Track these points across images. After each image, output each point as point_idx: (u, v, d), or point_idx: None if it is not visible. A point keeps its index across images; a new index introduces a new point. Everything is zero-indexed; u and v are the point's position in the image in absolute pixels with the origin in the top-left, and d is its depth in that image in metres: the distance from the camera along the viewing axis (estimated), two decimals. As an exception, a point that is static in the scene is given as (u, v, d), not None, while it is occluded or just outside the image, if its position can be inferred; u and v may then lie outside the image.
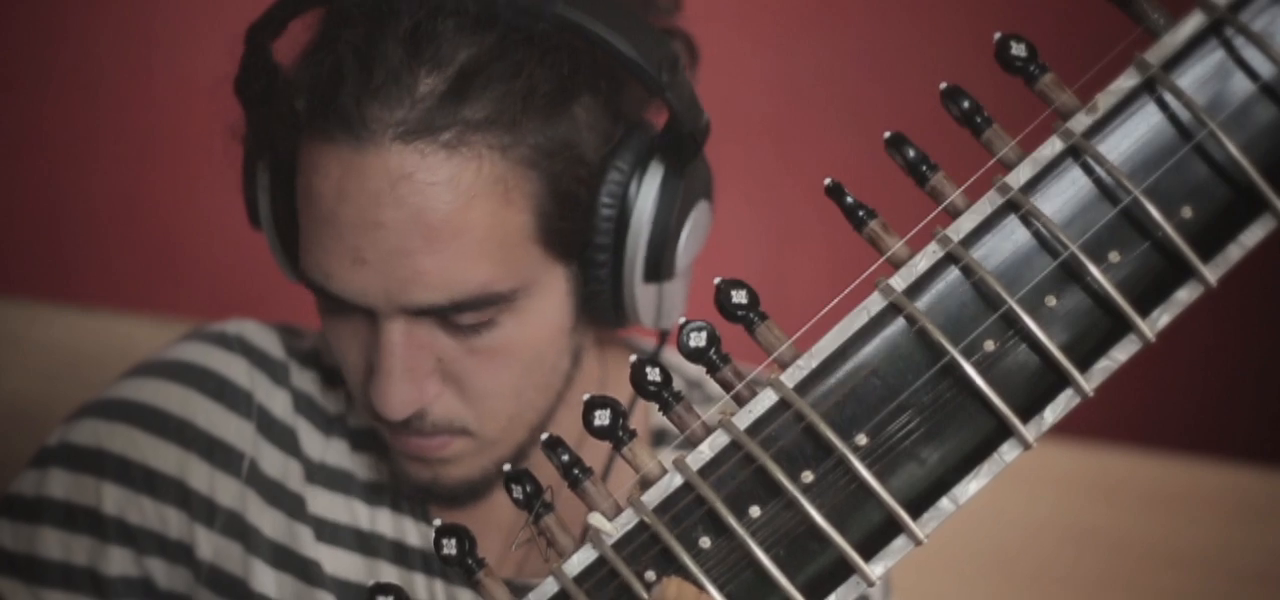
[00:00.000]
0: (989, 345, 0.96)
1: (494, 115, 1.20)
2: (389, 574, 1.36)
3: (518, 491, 0.98)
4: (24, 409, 1.73)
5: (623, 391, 1.36)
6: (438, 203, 1.20)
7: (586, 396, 0.98)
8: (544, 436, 0.99)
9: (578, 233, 1.26)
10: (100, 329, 1.75)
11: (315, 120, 1.21)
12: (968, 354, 0.96)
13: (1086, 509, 1.75)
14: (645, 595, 0.96)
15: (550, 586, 0.98)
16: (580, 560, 0.97)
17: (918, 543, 0.96)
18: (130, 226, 1.88)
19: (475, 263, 1.21)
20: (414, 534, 1.36)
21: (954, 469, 0.96)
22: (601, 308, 1.29)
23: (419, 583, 1.35)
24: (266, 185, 1.29)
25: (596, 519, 0.97)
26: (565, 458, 0.98)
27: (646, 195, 1.27)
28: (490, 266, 1.22)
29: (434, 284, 1.20)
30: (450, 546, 0.99)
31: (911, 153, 0.98)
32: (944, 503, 0.96)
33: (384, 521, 1.37)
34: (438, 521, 0.99)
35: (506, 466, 0.99)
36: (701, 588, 0.95)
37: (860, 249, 0.99)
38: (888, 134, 0.98)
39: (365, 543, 1.37)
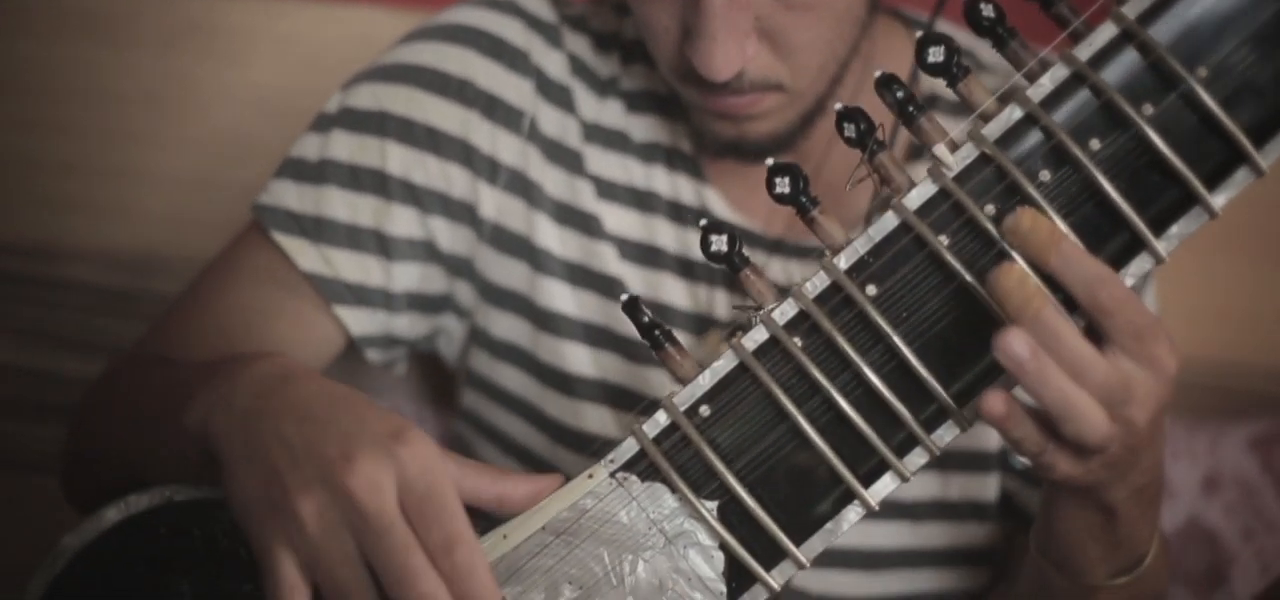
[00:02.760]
0: (1329, -23, 0.95)
1: None
2: (666, 232, 1.38)
3: (851, 130, 0.99)
4: (268, 100, 1.75)
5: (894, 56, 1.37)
6: None
7: (919, 34, 0.98)
8: (878, 74, 0.99)
9: None
10: (340, 21, 1.76)
11: None
12: (1311, -16, 0.95)
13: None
14: (991, 228, 0.96)
15: (889, 221, 0.99)
16: (920, 195, 0.98)
17: (1259, 173, 0.96)
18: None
19: None
20: (689, 192, 1.37)
21: (1295, 99, 0.96)
22: None
23: (694, 241, 1.36)
24: None
25: (940, 151, 0.97)
26: (900, 94, 0.99)
27: None
28: None
29: None
30: (784, 184, 1.00)
31: None
32: (1287, 133, 0.96)
33: (660, 180, 1.38)
34: (770, 160, 1.00)
35: (837, 105, 0.99)
36: (1050, 219, 0.96)
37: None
38: None
39: (642, 201, 1.38)
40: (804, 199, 1.00)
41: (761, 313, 1.00)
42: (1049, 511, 1.13)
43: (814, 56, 1.25)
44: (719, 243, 1.00)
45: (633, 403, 1.36)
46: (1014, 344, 0.95)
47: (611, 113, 1.39)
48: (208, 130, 1.77)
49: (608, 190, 1.38)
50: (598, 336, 1.38)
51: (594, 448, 1.03)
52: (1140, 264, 0.97)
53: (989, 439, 1.38)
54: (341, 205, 1.34)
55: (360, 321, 1.34)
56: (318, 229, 1.34)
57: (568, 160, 1.38)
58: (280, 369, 1.07)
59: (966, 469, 1.38)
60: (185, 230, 1.76)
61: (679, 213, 1.38)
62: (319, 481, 0.98)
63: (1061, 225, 0.96)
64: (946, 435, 0.98)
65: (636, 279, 1.37)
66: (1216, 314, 1.74)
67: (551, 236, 1.37)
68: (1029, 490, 1.39)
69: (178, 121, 1.77)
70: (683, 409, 0.99)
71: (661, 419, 1.00)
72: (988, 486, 1.39)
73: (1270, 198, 1.20)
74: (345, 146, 1.36)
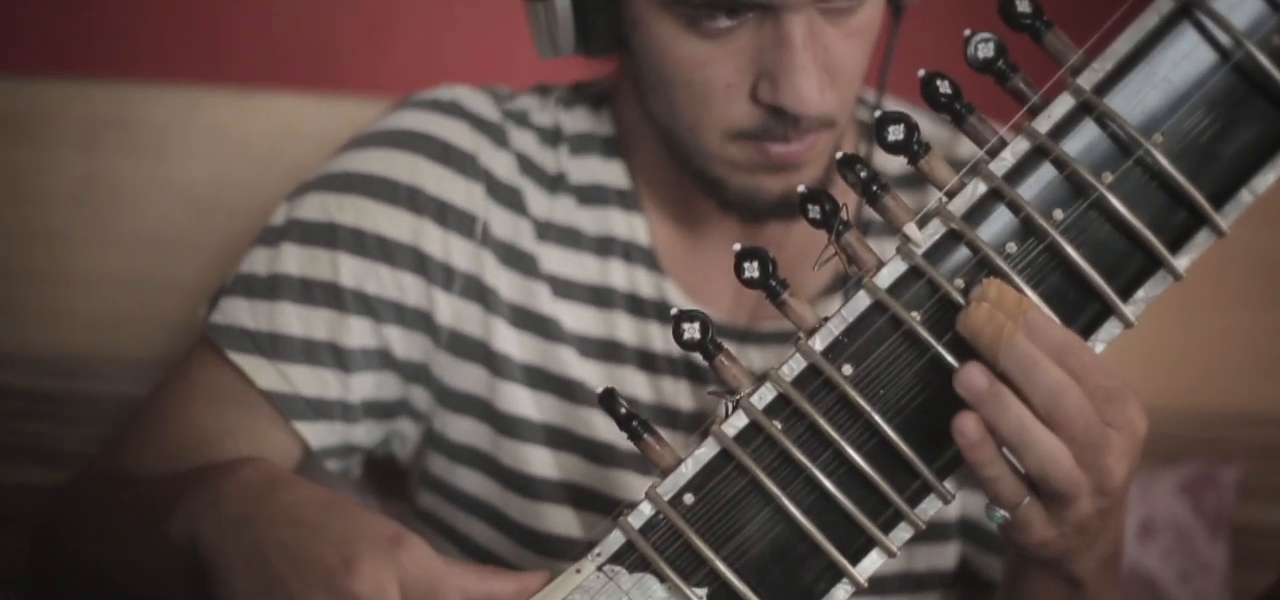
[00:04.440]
0: (1277, 39, 0.98)
1: None
2: (625, 326, 1.38)
3: (815, 211, 1.00)
4: (193, 194, 1.74)
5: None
6: None
7: (878, 113, 1.00)
8: (839, 154, 1.00)
9: None
10: (263, 111, 1.75)
11: None
12: (1260, 49, 0.98)
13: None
14: (960, 300, 0.98)
15: (862, 301, 1.00)
16: (890, 273, 1.00)
17: (1220, 234, 0.98)
18: (286, 7, 1.88)
19: None
20: (647, 284, 1.38)
21: (1250, 161, 0.99)
22: None
23: (655, 334, 1.38)
24: None
25: (910, 229, 0.99)
26: (863, 174, 1.00)
27: None
28: None
29: None
30: (752, 269, 1.01)
31: None
32: (1243, 194, 0.98)
33: (617, 274, 1.38)
34: (738, 246, 1.01)
35: (801, 188, 1.00)
36: (1018, 289, 0.98)
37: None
38: None
39: (599, 296, 1.39)
40: (773, 282, 1.01)
41: (740, 398, 1.01)
42: (1014, 585, 1.14)
43: (855, 87, 1.28)
44: (692, 330, 1.01)
45: (596, 504, 1.37)
46: (971, 375, 0.97)
47: (563, 209, 1.39)
48: (133, 228, 1.76)
49: (564, 288, 1.38)
50: (559, 438, 1.38)
51: (561, 549, 1.04)
52: (1109, 329, 0.99)
53: (947, 509, 1.39)
54: (296, 320, 1.34)
55: (320, 434, 1.34)
56: (273, 346, 1.34)
57: (522, 262, 1.38)
58: (266, 474, 1.06)
59: (930, 540, 1.40)
60: (114, 331, 1.75)
61: (638, 306, 1.39)
62: (322, 587, 0.98)
63: (1032, 295, 0.98)
64: (930, 509, 1.00)
65: (598, 375, 1.38)
66: (1143, 360, 1.77)
67: (509, 340, 1.38)
68: (986, 556, 1.41)
69: (102, 220, 1.76)
70: (667, 498, 1.00)
71: (646, 510, 1.00)
72: (948, 555, 1.42)
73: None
74: (296, 260, 1.35)
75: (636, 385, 1.38)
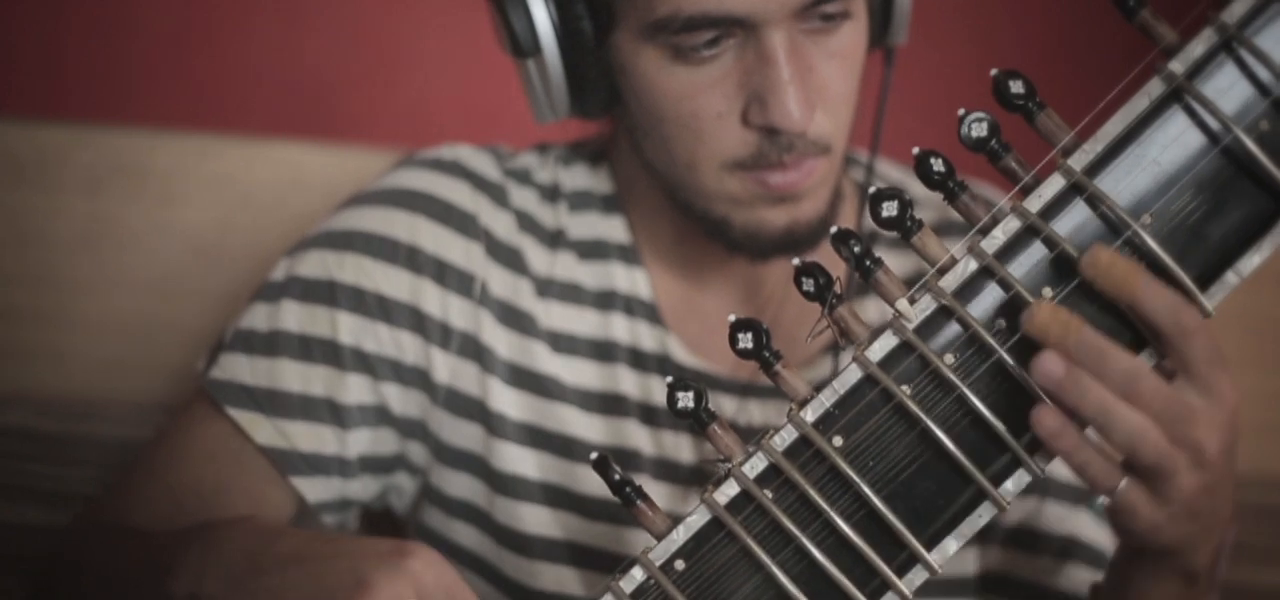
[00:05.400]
0: (1264, 125, 1.00)
1: None
2: (628, 380, 1.40)
3: (809, 284, 1.02)
4: (199, 241, 1.76)
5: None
6: None
7: (872, 189, 1.02)
8: (833, 229, 1.02)
9: None
10: (269, 159, 1.77)
11: None
12: (1247, 134, 0.99)
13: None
14: (951, 376, 1.00)
15: (853, 374, 1.02)
16: (882, 347, 1.01)
17: (1206, 314, 1.00)
18: (290, 58, 1.90)
19: None
20: (649, 338, 1.40)
21: (1236, 244, 1.00)
22: (872, 22, 1.34)
23: (656, 388, 1.39)
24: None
25: (902, 305, 1.01)
26: (857, 248, 1.02)
27: None
28: None
29: None
30: (747, 340, 1.03)
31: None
32: (1229, 276, 1.00)
33: (619, 328, 1.40)
34: (733, 317, 1.03)
35: (796, 261, 1.02)
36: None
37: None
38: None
39: (601, 351, 1.41)
40: (767, 353, 1.02)
41: (732, 467, 1.02)
42: (1122, 586, 1.14)
43: (847, 111, 1.30)
44: (686, 400, 1.03)
45: (591, 562, 1.38)
46: (1047, 362, 0.98)
47: (564, 265, 1.41)
48: (139, 273, 1.78)
49: (565, 345, 1.40)
50: (556, 497, 1.40)
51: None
52: (1096, 407, 1.01)
53: (965, 565, 1.41)
54: (294, 377, 1.36)
55: (317, 489, 1.35)
56: (272, 402, 1.35)
57: (521, 322, 1.39)
58: (264, 528, 1.09)
59: (945, 595, 1.41)
60: (119, 374, 1.77)
61: (640, 360, 1.40)
62: None
63: (1018, 371, 0.99)
64: (917, 578, 1.01)
65: (599, 429, 1.39)
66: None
67: (506, 400, 1.39)
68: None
69: (109, 264, 1.78)
70: (659, 564, 1.01)
71: (638, 575, 1.02)
72: None
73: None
74: (295, 317, 1.37)
75: (639, 439, 1.40)
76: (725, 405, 1.39)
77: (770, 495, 1.01)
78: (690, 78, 1.28)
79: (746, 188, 1.30)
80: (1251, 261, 1.00)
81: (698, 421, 1.02)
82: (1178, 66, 1.00)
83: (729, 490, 1.02)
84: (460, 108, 1.92)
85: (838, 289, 1.02)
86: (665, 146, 1.31)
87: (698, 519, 1.02)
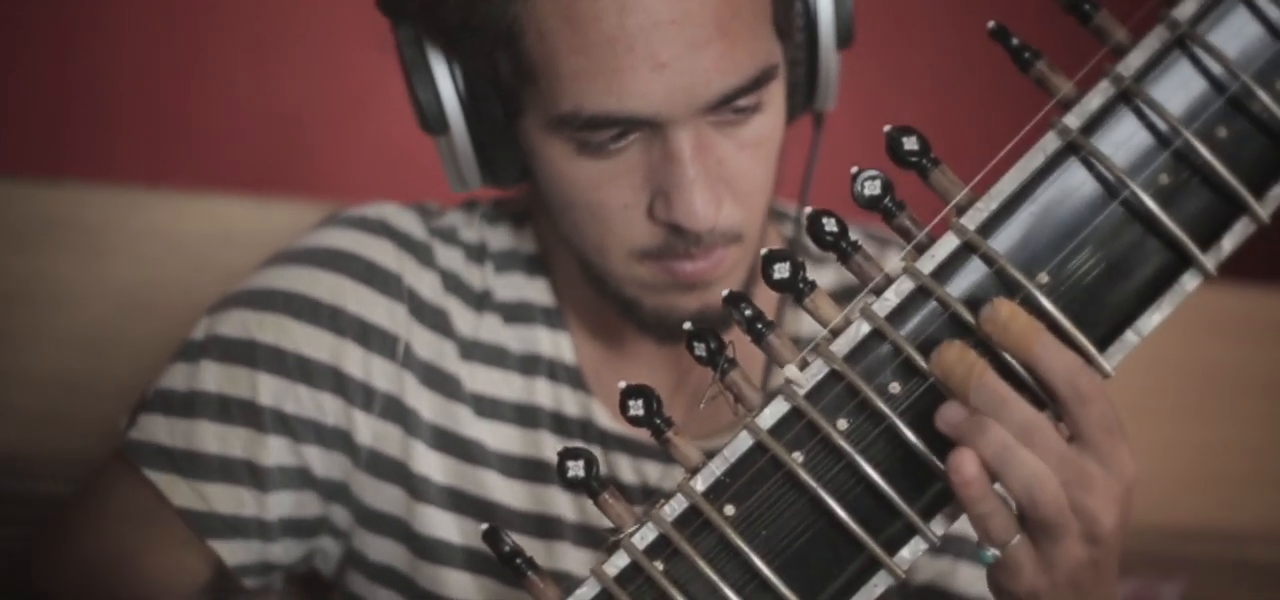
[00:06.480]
0: (1164, 179, 0.98)
1: None
2: (551, 445, 1.38)
3: (701, 348, 1.00)
4: (130, 295, 1.74)
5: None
6: None
7: (764, 251, 0.99)
8: (725, 292, 1.00)
9: (788, 6, 1.28)
10: (199, 213, 1.76)
11: None
12: (1144, 189, 0.97)
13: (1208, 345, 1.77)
14: (842, 443, 0.97)
15: (744, 441, 0.99)
16: (773, 413, 0.99)
17: (1105, 376, 0.98)
18: (251, 111, 1.89)
19: (750, 40, 1.22)
20: (572, 403, 1.38)
21: (1136, 302, 0.98)
22: (796, 93, 1.32)
23: None
24: (451, 77, 1.27)
25: (790, 371, 0.98)
26: (748, 312, 1.00)
27: None
28: (758, 42, 1.23)
29: (727, 69, 1.21)
30: (637, 407, 1.00)
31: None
32: (1129, 335, 0.98)
33: (542, 393, 1.38)
34: (623, 383, 1.00)
35: (687, 325, 1.00)
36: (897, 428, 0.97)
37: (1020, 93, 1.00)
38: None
39: (525, 415, 1.38)
40: (658, 421, 1.00)
41: (622, 537, 1.00)
42: None
43: (762, 199, 1.27)
44: (576, 469, 1.00)
45: (513, 627, 1.36)
46: (949, 411, 0.96)
47: (489, 328, 1.39)
48: (70, 327, 1.76)
49: (489, 408, 1.38)
50: (478, 563, 1.37)
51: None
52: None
53: None
54: (213, 438, 1.33)
55: (235, 552, 1.33)
56: (190, 463, 1.33)
57: (444, 384, 1.37)
58: None
59: None
60: (53, 430, 1.76)
61: (563, 425, 1.38)
62: None
63: (911, 438, 0.97)
64: (811, 648, 0.99)
65: (522, 495, 1.37)
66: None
67: (429, 463, 1.37)
68: None
69: (39, 320, 1.76)
70: (551, 637, 0.99)
71: (531, 645, 0.99)
72: None
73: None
74: (215, 377, 1.34)
75: (561, 505, 1.38)
76: (649, 472, 1.37)
77: (661, 566, 0.99)
78: (596, 169, 1.25)
79: (655, 275, 1.28)
80: (1152, 320, 0.98)
81: (589, 490, 1.00)
82: (1073, 120, 0.98)
83: (619, 561, 0.99)
84: (393, 162, 1.90)
85: (730, 353, 1.00)
86: (576, 230, 1.29)
87: (588, 591, 1.00)
